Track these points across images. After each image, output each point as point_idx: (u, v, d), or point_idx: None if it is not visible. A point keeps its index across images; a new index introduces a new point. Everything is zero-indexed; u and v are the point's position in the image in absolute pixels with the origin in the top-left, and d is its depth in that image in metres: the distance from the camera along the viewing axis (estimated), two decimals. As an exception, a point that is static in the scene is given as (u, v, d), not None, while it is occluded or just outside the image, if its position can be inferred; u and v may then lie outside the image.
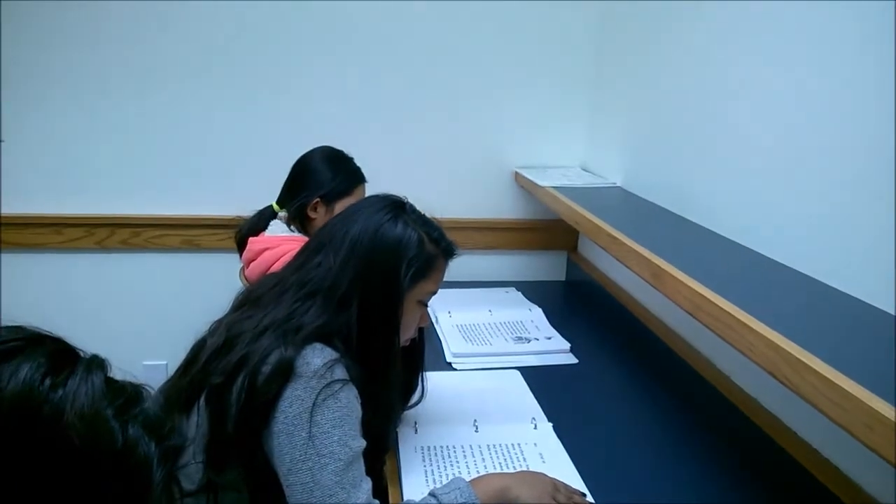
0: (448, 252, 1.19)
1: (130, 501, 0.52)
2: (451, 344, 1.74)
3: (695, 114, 1.61)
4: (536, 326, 1.90)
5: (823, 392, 0.81)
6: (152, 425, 0.54)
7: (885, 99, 1.02)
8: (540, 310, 2.01)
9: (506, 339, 1.81)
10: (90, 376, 0.52)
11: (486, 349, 1.74)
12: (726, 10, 1.47)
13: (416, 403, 1.32)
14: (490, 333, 1.84)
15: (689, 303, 1.13)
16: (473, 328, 1.86)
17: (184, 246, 2.19)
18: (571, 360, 1.73)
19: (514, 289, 2.21)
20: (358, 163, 1.81)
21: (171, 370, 1.20)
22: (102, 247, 2.15)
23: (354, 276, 1.09)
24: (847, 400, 0.77)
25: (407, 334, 1.18)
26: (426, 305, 1.21)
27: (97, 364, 0.54)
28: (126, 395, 0.54)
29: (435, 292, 1.20)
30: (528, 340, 1.80)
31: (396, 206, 1.16)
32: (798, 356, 0.86)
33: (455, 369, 1.64)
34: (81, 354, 0.55)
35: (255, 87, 2.12)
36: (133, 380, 0.57)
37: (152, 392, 0.58)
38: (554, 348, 1.77)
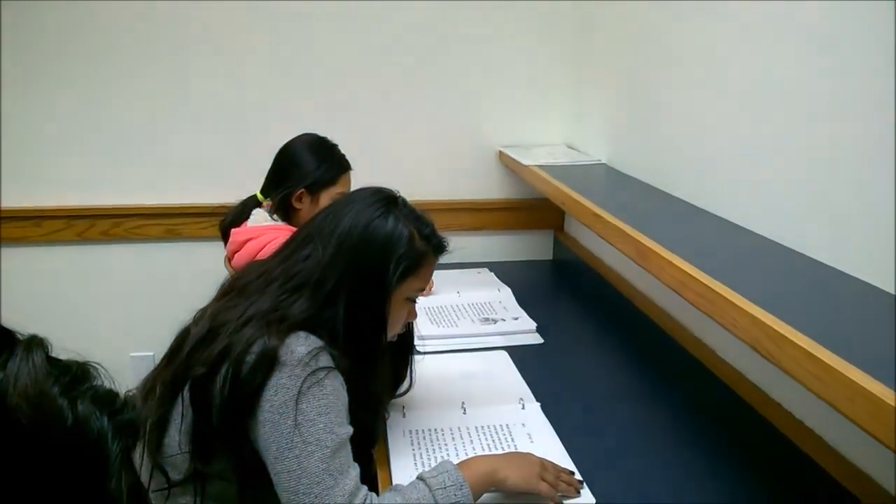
0: (438, 249, 1.17)
1: (88, 476, 0.52)
2: (418, 326, 1.73)
3: (679, 89, 1.60)
4: (504, 307, 1.89)
5: (804, 365, 0.81)
6: (103, 400, 0.54)
7: (871, 70, 1.01)
8: (509, 290, 2.00)
9: (472, 321, 1.80)
10: (30, 356, 0.52)
11: (452, 331, 1.73)
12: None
13: (405, 392, 1.32)
14: (457, 315, 1.83)
15: (674, 280, 1.13)
16: (440, 310, 1.85)
17: (166, 235, 2.17)
18: (537, 339, 1.72)
19: (486, 269, 2.20)
20: (340, 144, 1.79)
21: (158, 361, 1.19)
22: (83, 238, 2.13)
23: (342, 271, 1.08)
24: (827, 373, 0.78)
25: (394, 330, 1.17)
26: (414, 301, 1.20)
27: (37, 343, 0.54)
28: (72, 373, 0.54)
29: (423, 289, 1.19)
30: (495, 321, 1.80)
31: (388, 201, 1.14)
32: (779, 329, 0.86)
33: (419, 352, 1.63)
34: (19, 336, 0.55)
35: (234, 73, 2.09)
36: (79, 358, 0.57)
37: (100, 368, 0.58)
38: (520, 328, 1.76)
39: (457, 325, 1.77)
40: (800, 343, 0.82)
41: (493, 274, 2.16)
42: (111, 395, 0.55)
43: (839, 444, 1.12)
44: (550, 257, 2.42)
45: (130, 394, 0.59)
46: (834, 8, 1.09)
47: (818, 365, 0.79)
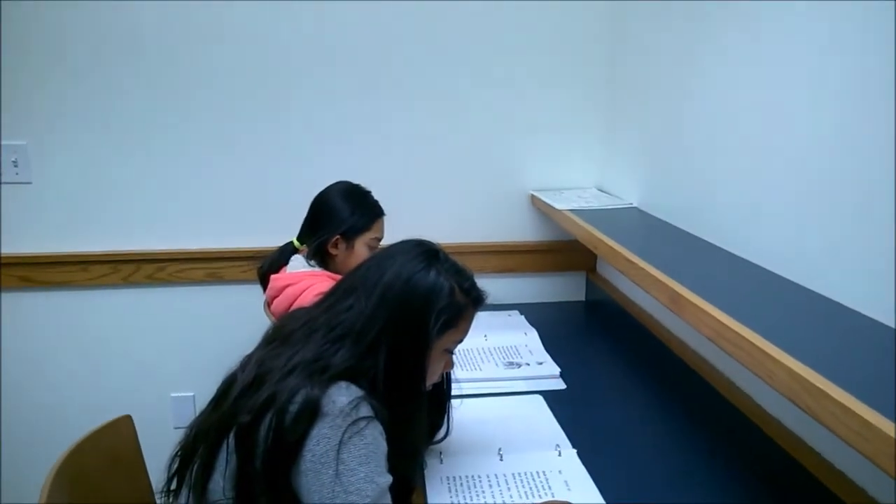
0: (478, 302, 1.20)
1: None
2: (455, 374, 1.74)
3: (710, 132, 1.62)
4: (530, 351, 1.90)
5: (844, 421, 0.81)
6: None
7: None
8: (536, 333, 2.01)
9: (496, 365, 1.81)
10: None
11: (475, 375, 1.75)
12: (740, 26, 1.48)
13: (442, 439, 1.34)
14: (482, 359, 1.85)
15: (710, 329, 1.13)
16: (466, 354, 1.86)
17: (208, 279, 2.24)
18: (560, 385, 1.72)
19: (517, 312, 2.21)
20: (374, 189, 1.84)
21: (198, 401, 1.22)
22: (128, 282, 2.20)
23: (384, 322, 1.11)
24: (868, 429, 0.78)
25: (432, 380, 1.20)
26: (452, 352, 1.22)
27: None
28: None
29: (461, 340, 1.22)
30: (519, 365, 1.81)
31: (430, 255, 1.17)
32: (817, 384, 0.86)
33: (457, 397, 1.64)
34: None
35: (271, 120, 2.17)
36: None
37: None
38: (543, 374, 1.77)
39: (480, 369, 1.78)
40: (838, 398, 0.82)
41: (522, 317, 2.17)
42: None
43: (887, 499, 1.10)
44: (583, 298, 2.42)
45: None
46: (879, 53, 1.10)
47: (857, 420, 0.79)
